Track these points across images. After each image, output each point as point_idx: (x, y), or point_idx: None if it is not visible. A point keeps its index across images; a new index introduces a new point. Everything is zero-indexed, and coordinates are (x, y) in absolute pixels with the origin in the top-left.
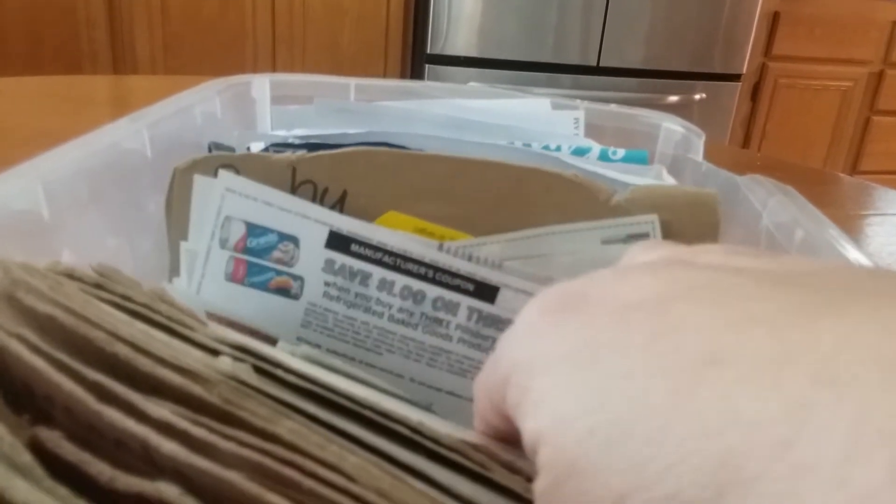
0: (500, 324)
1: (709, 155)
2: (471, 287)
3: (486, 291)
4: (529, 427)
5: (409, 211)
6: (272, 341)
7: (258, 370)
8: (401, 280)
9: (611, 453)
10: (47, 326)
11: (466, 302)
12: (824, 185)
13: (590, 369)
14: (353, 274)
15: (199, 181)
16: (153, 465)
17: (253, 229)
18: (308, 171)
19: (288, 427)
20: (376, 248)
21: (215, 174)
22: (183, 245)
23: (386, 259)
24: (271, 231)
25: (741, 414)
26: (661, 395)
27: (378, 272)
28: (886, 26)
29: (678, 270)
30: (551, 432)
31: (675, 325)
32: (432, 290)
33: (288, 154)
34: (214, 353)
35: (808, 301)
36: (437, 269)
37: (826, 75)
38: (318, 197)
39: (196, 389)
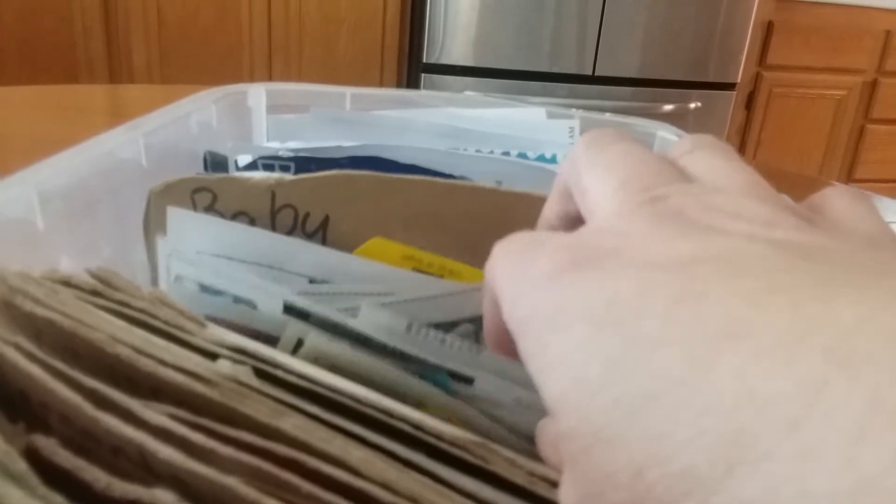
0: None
1: None
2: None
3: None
4: (552, 390)
5: (396, 237)
6: (275, 340)
7: (258, 372)
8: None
9: (632, 425)
10: (45, 331)
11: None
12: None
13: (612, 332)
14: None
15: (171, 213)
16: (150, 471)
17: (205, 289)
18: (288, 195)
19: (292, 422)
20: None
21: (191, 197)
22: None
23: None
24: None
25: (754, 392)
26: (681, 367)
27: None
28: (880, 35)
29: (710, 234)
30: (574, 399)
31: (698, 292)
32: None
33: (266, 177)
34: (213, 356)
35: (832, 274)
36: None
37: (821, 84)
38: (300, 222)
39: (199, 387)
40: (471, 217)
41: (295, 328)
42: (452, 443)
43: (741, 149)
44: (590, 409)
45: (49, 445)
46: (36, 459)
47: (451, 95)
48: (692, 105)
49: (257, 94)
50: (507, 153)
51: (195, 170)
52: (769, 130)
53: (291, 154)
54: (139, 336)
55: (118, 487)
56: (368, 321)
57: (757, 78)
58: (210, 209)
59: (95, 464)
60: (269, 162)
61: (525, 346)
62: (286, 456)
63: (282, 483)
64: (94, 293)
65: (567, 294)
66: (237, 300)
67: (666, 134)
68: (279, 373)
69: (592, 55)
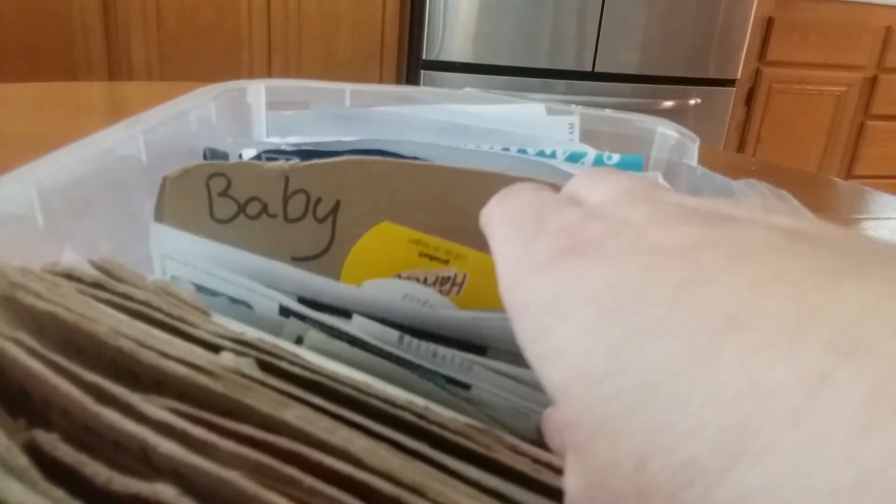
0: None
1: (704, 159)
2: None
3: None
4: (554, 380)
5: (404, 221)
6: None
7: (262, 364)
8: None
9: (635, 416)
10: (47, 325)
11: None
12: (819, 189)
13: (615, 320)
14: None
15: (155, 229)
16: (151, 466)
17: (201, 289)
18: (301, 180)
19: (295, 413)
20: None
21: (206, 183)
22: None
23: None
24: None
25: (757, 383)
26: (684, 357)
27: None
28: (880, 32)
29: (714, 219)
30: (577, 390)
31: (702, 278)
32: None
33: (281, 163)
34: (216, 349)
35: (836, 262)
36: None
37: (820, 80)
38: (311, 207)
39: (202, 380)
40: (478, 202)
41: (294, 326)
42: (456, 431)
43: (741, 145)
44: (593, 400)
45: (50, 440)
46: (37, 454)
47: (451, 92)
48: (692, 101)
49: (257, 91)
50: (506, 149)
51: None
52: (769, 127)
53: (294, 148)
54: (141, 329)
55: (119, 482)
56: (361, 328)
57: (757, 74)
58: (224, 194)
59: (97, 459)
60: (272, 156)
61: (523, 330)
62: (288, 449)
63: (283, 477)
64: (97, 286)
65: (568, 280)
66: (233, 301)
67: (666, 130)
68: (283, 364)
69: (592, 51)
